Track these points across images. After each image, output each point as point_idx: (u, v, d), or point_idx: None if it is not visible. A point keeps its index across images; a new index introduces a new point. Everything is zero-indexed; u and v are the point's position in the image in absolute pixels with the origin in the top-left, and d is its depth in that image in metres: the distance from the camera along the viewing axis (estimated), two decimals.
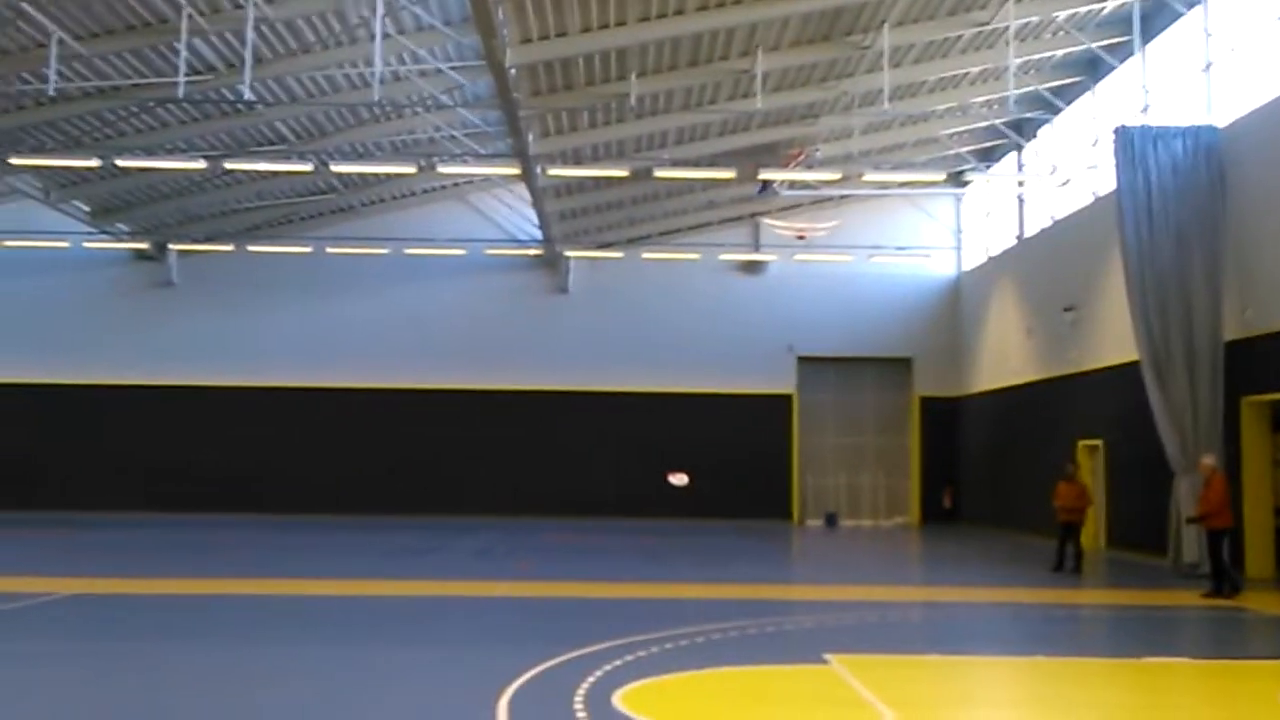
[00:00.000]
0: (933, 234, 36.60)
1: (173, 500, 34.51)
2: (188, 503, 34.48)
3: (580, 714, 8.68)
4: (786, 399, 36.30)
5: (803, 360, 36.47)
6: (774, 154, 29.65)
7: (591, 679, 9.94)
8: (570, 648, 11.40)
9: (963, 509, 35.51)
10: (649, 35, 23.17)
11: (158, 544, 25.19)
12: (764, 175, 28.84)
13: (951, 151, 31.69)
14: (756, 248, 36.67)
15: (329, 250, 35.11)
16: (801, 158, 28.98)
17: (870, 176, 29.89)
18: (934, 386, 36.47)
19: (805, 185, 32.45)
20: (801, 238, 34.77)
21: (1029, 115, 29.61)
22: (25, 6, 20.47)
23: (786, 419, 36.24)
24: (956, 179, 32.21)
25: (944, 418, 36.23)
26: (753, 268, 36.73)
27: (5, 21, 21.19)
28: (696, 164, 29.28)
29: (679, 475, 25.99)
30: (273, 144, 28.33)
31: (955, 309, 36.59)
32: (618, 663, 10.73)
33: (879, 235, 36.15)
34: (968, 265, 36.23)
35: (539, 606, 15.49)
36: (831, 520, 35.68)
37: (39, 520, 30.90)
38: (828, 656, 11.23)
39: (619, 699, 9.19)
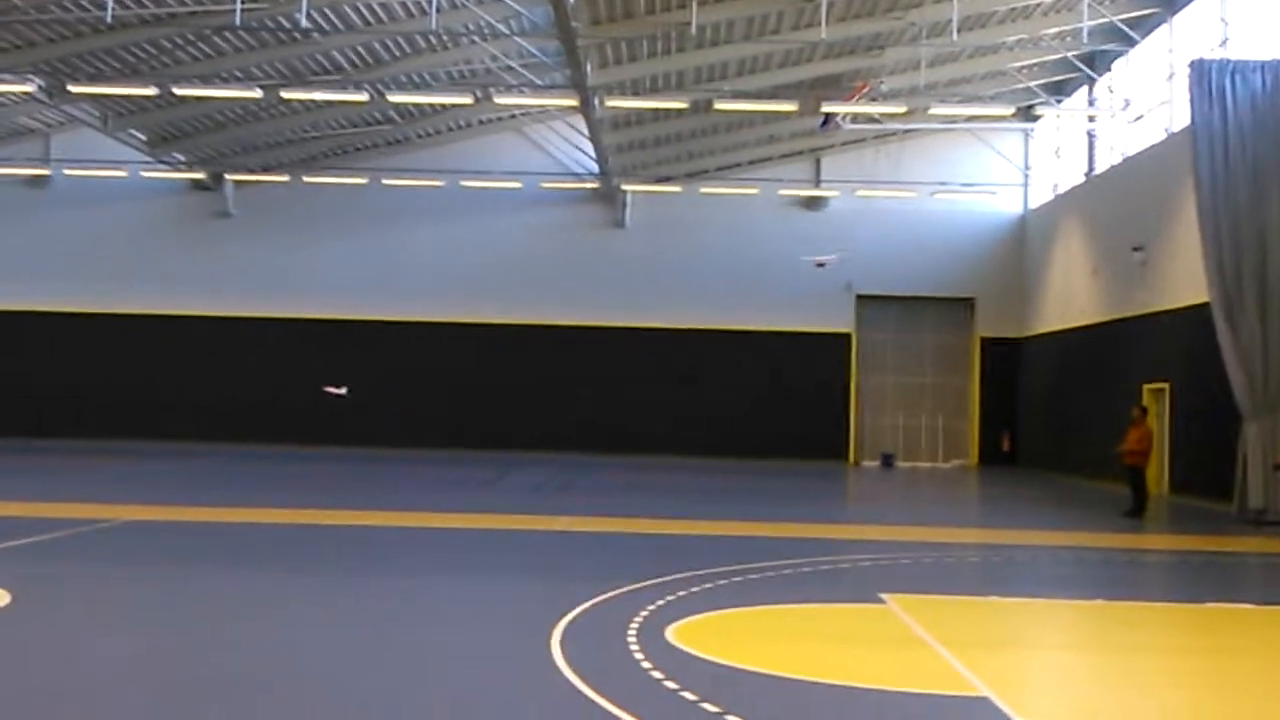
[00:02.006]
0: (999, 170, 35.81)
1: (227, 430, 34.78)
2: (242, 433, 34.73)
3: (634, 648, 8.53)
4: (844, 338, 35.88)
5: (862, 299, 35.98)
6: (837, 87, 29.01)
7: (645, 613, 9.80)
8: (624, 583, 11.26)
9: (1022, 452, 35.02)
10: None
11: (213, 474, 25.41)
12: (827, 108, 28.23)
13: (1021, 85, 30.89)
14: (817, 183, 36.10)
15: (384, 182, 34.97)
16: (866, 90, 28.30)
17: (936, 110, 29.24)
18: (996, 327, 35.87)
19: (869, 119, 31.80)
20: (821, 265, 34.19)
21: (1102, 48, 28.72)
22: None
23: (844, 358, 35.85)
24: (1026, 113, 31.45)
25: (1005, 359, 35.64)
26: (813, 204, 36.19)
27: None
28: (757, 96, 28.74)
29: (336, 388, 26.39)
30: (329, 73, 28.14)
31: (1020, 248, 35.88)
32: (671, 598, 10.58)
33: (943, 171, 35.45)
34: (1034, 203, 35.47)
35: (593, 541, 15.39)
36: (888, 461, 35.35)
37: (91, 449, 31.29)
38: (883, 596, 11.01)
39: (672, 633, 9.03)
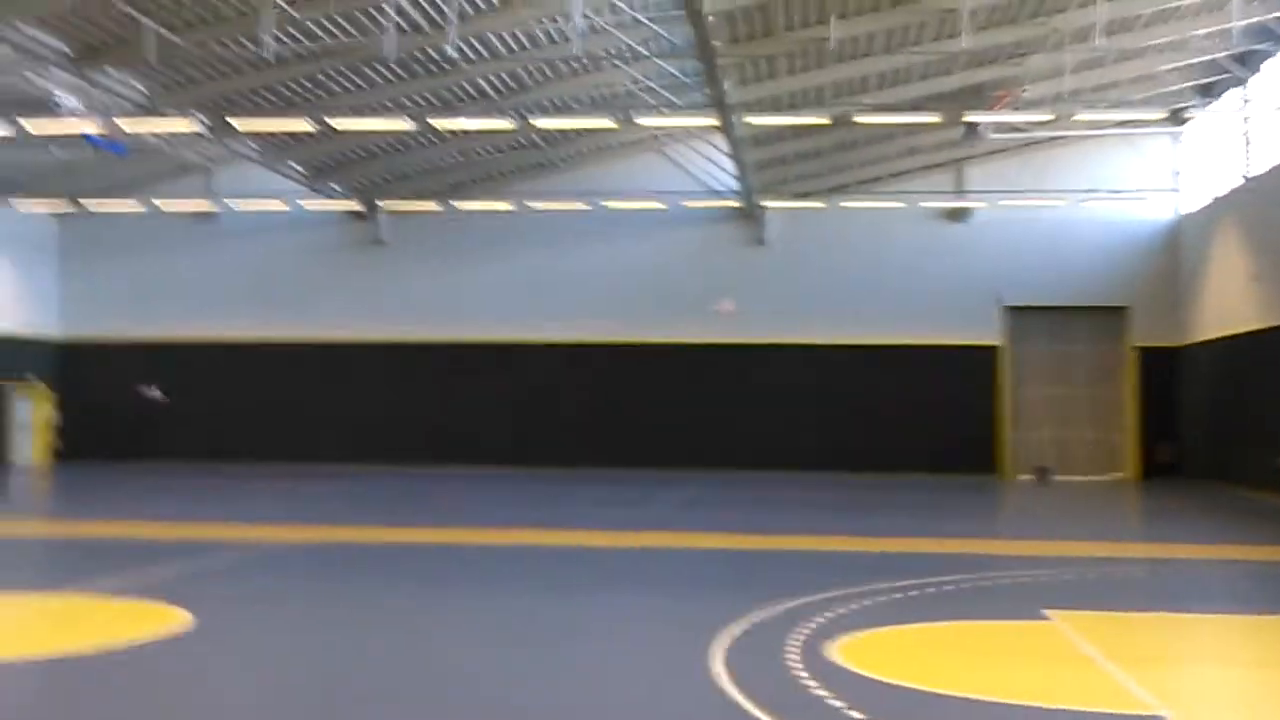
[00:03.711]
0: (1149, 176, 34.89)
1: (382, 453, 35.71)
2: (396, 456, 35.62)
3: (796, 664, 8.59)
4: (992, 350, 35.28)
5: (1010, 310, 35.34)
6: (980, 96, 28.62)
7: (805, 630, 9.84)
8: (782, 599, 11.31)
9: (1184, 464, 33.97)
10: None
11: (373, 496, 26.14)
12: (970, 118, 27.89)
13: (1170, 88, 30.08)
14: (960, 194, 35.64)
15: (530, 205, 35.60)
16: (1009, 99, 27.88)
17: (1082, 116, 28.65)
18: (1151, 336, 34.88)
19: (1013, 128, 31.30)
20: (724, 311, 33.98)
21: (1254, 47, 27.83)
22: None
23: (993, 371, 35.24)
24: (1175, 117, 30.60)
25: (1162, 368, 34.63)
26: (957, 215, 35.71)
27: None
28: (899, 109, 28.51)
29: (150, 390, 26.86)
30: (475, 101, 28.80)
31: (1174, 254, 34.86)
32: (830, 615, 10.59)
33: (1091, 178, 34.65)
34: (1187, 208, 34.47)
35: (748, 558, 15.46)
36: (1042, 475, 34.62)
37: (257, 472, 32.44)
38: (1047, 613, 10.87)
39: (834, 650, 9.07)
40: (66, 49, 23.59)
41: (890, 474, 33.18)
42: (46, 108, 25.39)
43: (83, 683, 8.07)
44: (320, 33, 24.00)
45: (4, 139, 28.81)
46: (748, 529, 18.72)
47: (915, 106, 28.37)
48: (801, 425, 35.13)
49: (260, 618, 10.73)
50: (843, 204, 35.24)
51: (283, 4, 22.26)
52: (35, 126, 26.66)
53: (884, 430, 34.83)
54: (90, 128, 25.38)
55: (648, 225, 36.00)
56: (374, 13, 23.17)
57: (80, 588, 11.67)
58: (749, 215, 35.76)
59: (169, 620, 9.94)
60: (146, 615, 10.27)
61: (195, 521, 18.67)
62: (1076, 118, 28.80)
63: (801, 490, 27.78)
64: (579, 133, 32.71)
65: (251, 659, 8.88)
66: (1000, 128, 30.94)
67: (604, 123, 28.52)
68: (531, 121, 27.08)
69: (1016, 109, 28.38)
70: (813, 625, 10.07)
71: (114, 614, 10.51)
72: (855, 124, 28.55)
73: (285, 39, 23.84)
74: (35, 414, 36.59)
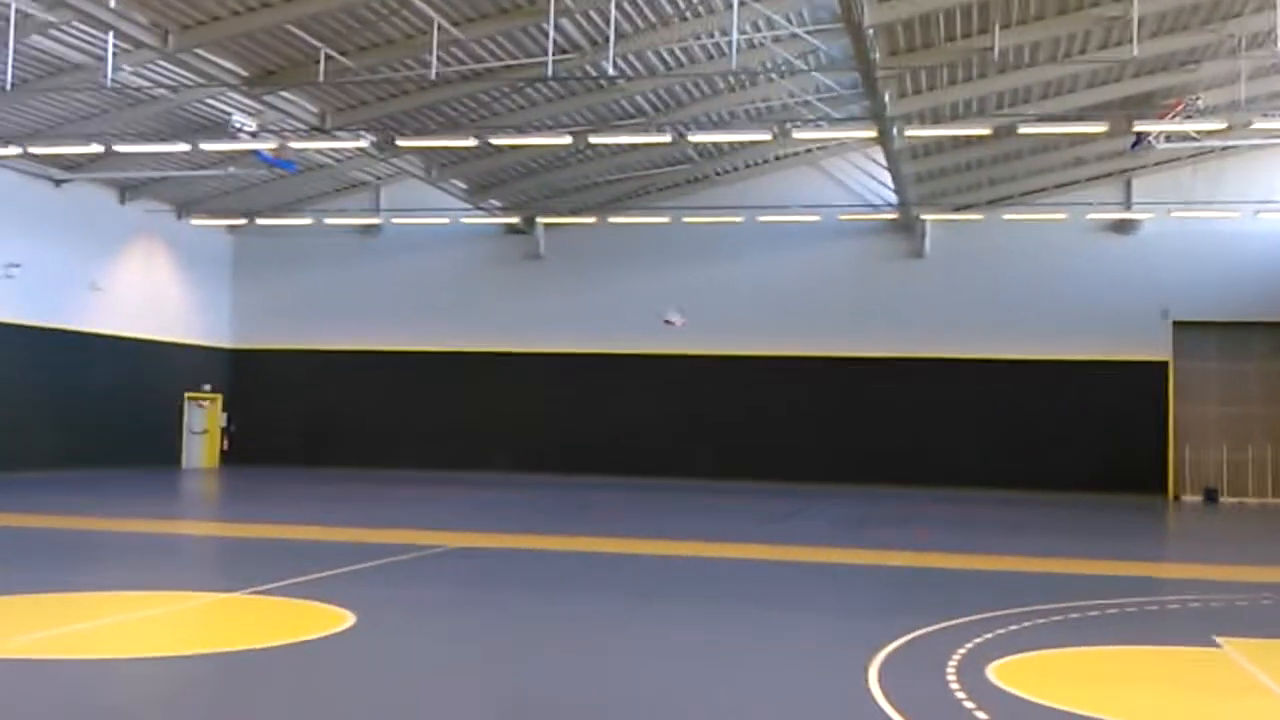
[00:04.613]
0: None
1: (538, 461, 36.28)
2: (552, 464, 36.14)
3: (954, 686, 8.46)
4: (1160, 366, 34.17)
5: (1179, 325, 34.20)
6: (1150, 105, 27.82)
7: (963, 651, 9.68)
8: (940, 618, 11.14)
9: None
10: None
11: (529, 503, 26.54)
12: (1139, 128, 27.08)
13: None
14: (1129, 206, 34.63)
15: (685, 220, 35.79)
16: (1181, 108, 27.00)
17: (1259, 125, 27.55)
18: None
19: (1185, 137, 30.29)
20: (670, 323, 33.07)
21: None
22: None
23: (1160, 388, 34.12)
24: None
25: None
26: (1124, 227, 34.73)
27: (391, 11, 22.70)
28: (1064, 119, 27.90)
29: None
30: (633, 117, 29.11)
31: None
32: (988, 636, 10.39)
33: (1267, 189, 33.39)
34: None
35: (904, 575, 15.26)
36: (1211, 496, 33.36)
37: (418, 478, 33.23)
38: (1218, 639, 10.47)
39: (994, 672, 8.90)
40: (243, 73, 24.63)
41: (1050, 493, 32.40)
42: (223, 129, 26.56)
43: (245, 679, 8.39)
44: (483, 53, 24.61)
45: (184, 159, 30.23)
46: (902, 546, 18.47)
47: (1081, 116, 27.75)
48: (958, 441, 34.56)
49: (423, 620, 10.99)
50: (1005, 216, 34.59)
51: (448, 26, 22.87)
52: (212, 147, 27.91)
53: (1044, 448, 34.03)
54: (263, 147, 26.43)
55: (803, 239, 35.88)
56: (535, 32, 23.67)
57: (247, 587, 12.11)
58: (907, 228, 35.35)
59: (332, 620, 10.24)
60: (310, 615, 10.59)
61: (358, 525, 19.22)
62: (1252, 126, 27.72)
63: (958, 507, 27.29)
64: (735, 147, 32.81)
65: (411, 660, 9.11)
66: (1171, 137, 29.96)
67: (760, 136, 28.54)
68: (688, 136, 27.28)
69: (1188, 117, 27.46)
70: (972, 645, 9.90)
71: (279, 613, 10.86)
72: (1018, 135, 28.02)
73: (449, 59, 24.51)
74: (207, 419, 38.15)
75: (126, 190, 34.32)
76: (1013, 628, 10.85)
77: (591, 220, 36.49)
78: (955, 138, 29.99)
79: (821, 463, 35.07)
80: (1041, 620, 11.36)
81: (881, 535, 20.63)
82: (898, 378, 35.21)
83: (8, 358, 30.58)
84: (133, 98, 26.41)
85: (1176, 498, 33.60)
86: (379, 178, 36.53)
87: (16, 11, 21.41)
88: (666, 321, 33.09)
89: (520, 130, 28.49)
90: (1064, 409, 34.13)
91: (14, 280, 30.59)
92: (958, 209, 34.87)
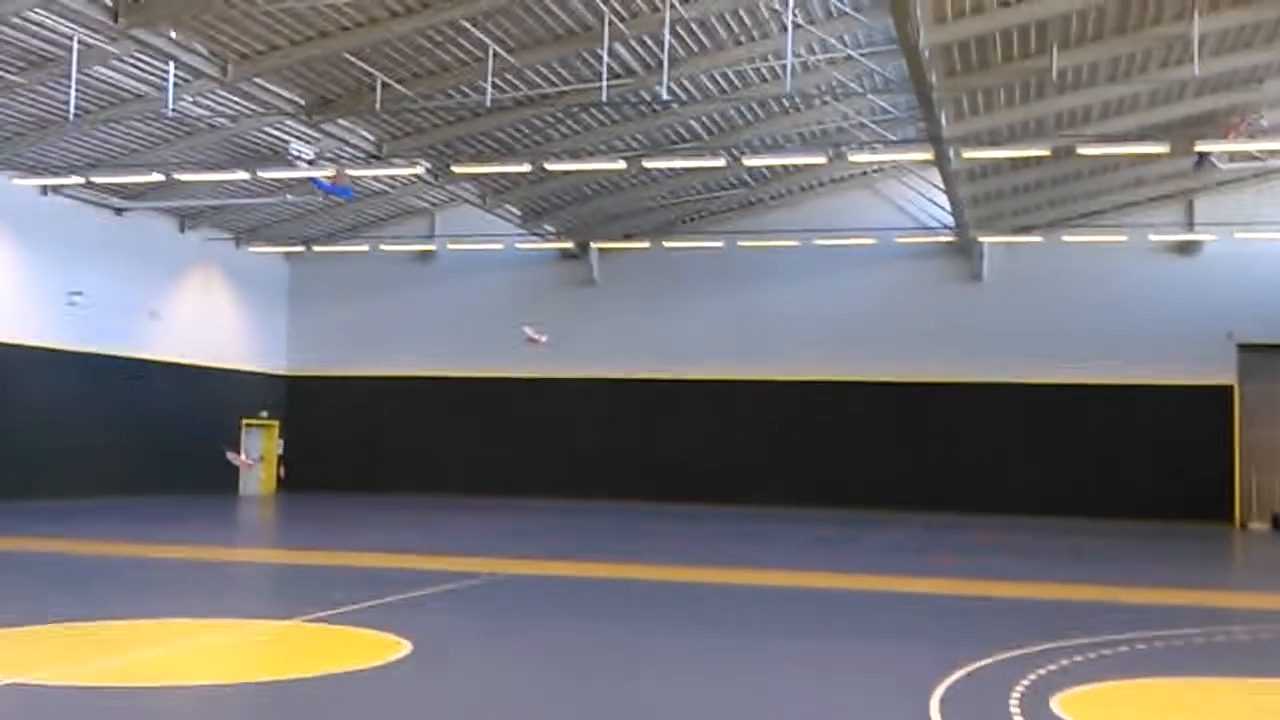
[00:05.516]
0: None
1: (592, 488, 36.17)
2: (606, 490, 36.02)
3: (1017, 717, 8.24)
4: (1225, 390, 33.52)
5: (1244, 348, 33.54)
6: (1212, 124, 27.38)
7: (1027, 681, 9.44)
8: (1003, 648, 10.90)
9: None
10: (1071, 4, 21.96)
11: (583, 529, 26.44)
12: (1200, 148, 26.65)
13: None
14: (1191, 227, 34.08)
15: (740, 244, 35.66)
16: (1244, 126, 26.56)
17: None
18: None
19: (1248, 156, 29.78)
20: (533, 342, 32.65)
21: None
22: (465, 24, 21.97)
23: (1225, 412, 33.44)
24: None
25: None
26: (1186, 249, 34.17)
27: (447, 38, 22.83)
28: (1124, 139, 27.51)
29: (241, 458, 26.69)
30: (686, 141, 29.07)
31: None
32: (1052, 667, 10.14)
33: None
34: None
35: (966, 604, 14.98)
36: (1279, 523, 32.63)
37: (471, 504, 33.24)
38: None
39: (1058, 704, 8.67)
40: (300, 101, 24.86)
41: (1112, 520, 31.86)
42: (280, 157, 26.82)
43: (303, 708, 8.34)
44: (537, 79, 24.68)
45: (242, 187, 30.57)
46: (963, 574, 18.17)
47: (1142, 136, 27.39)
48: (1018, 468, 34.08)
49: (479, 648, 10.91)
50: (1064, 238, 34.17)
51: (503, 53, 22.96)
52: (270, 175, 28.20)
53: (1106, 474, 33.48)
54: (320, 174, 26.66)
55: (859, 262, 35.62)
56: (589, 58, 23.71)
57: (304, 615, 12.09)
58: (964, 251, 35.00)
59: (388, 648, 10.19)
60: (366, 643, 10.55)
61: (413, 552, 19.21)
62: None
63: (1018, 535, 26.86)
64: (790, 170, 32.68)
65: (468, 689, 9.03)
66: (1234, 156, 29.47)
67: (815, 160, 28.42)
68: (742, 160, 27.20)
69: (1251, 137, 27.02)
70: (1036, 676, 9.66)
71: (335, 640, 10.82)
72: (1077, 156, 27.68)
73: (504, 86, 24.59)
74: (264, 446, 38.43)
75: (186, 218, 34.75)
76: (1077, 658, 10.59)
77: (646, 245, 36.46)
78: (1013, 159, 29.67)
79: (878, 489, 34.68)
80: (1107, 651, 11.08)
81: (940, 563, 20.32)
82: (956, 403, 34.80)
83: (69, 385, 30.98)
84: (192, 127, 26.75)
85: (1243, 525, 32.89)
86: (434, 204, 36.75)
87: (79, 43, 21.74)
88: (528, 340, 32.80)
89: (574, 155, 28.55)
90: (1126, 434, 33.56)
91: (76, 308, 31.02)
92: (1016, 230, 34.48)
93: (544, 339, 32.80)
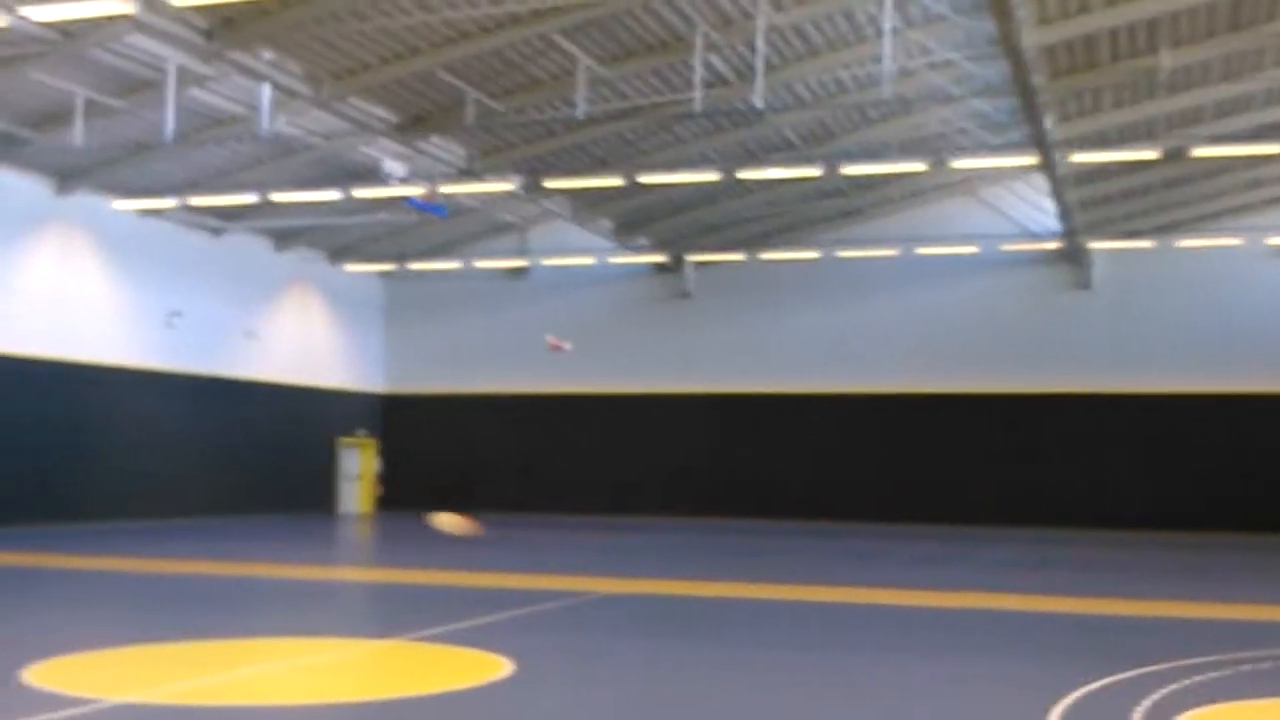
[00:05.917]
0: None
1: (691, 505, 35.76)
2: (706, 507, 35.59)
3: None
4: None
5: None
6: None
7: (1150, 700, 8.90)
8: (1123, 666, 10.34)
9: None
10: (1183, 1, 21.15)
11: (685, 546, 26.09)
12: None
13: None
14: None
15: (838, 254, 35.06)
16: None
17: None
18: None
19: None
20: (557, 348, 31.39)
21: None
22: (556, 37, 21.81)
23: None
24: None
25: None
26: None
27: (538, 52, 22.69)
28: (1238, 139, 26.50)
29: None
30: (781, 150, 28.63)
31: None
32: (1175, 686, 9.58)
33: None
34: None
35: (1080, 622, 14.35)
36: None
37: (567, 523, 33.06)
38: None
39: None
40: (393, 119, 24.92)
41: (1227, 534, 30.69)
42: (374, 175, 26.92)
43: None
44: (629, 91, 24.44)
45: (337, 206, 30.77)
46: (1075, 591, 17.48)
47: (1257, 136, 26.39)
48: (1130, 482, 33.05)
49: (581, 668, 10.64)
50: (1177, 243, 33.07)
51: (594, 65, 22.76)
52: (364, 193, 28.34)
53: (1222, 487, 32.30)
54: (413, 192, 26.69)
55: (962, 272, 34.84)
56: (681, 68, 23.41)
57: (405, 633, 11.95)
58: (1072, 258, 34.02)
59: (491, 668, 9.98)
60: (469, 662, 10.37)
61: (514, 571, 19.02)
62: None
63: (1129, 551, 25.94)
64: (889, 178, 32.02)
65: (571, 710, 8.73)
66: None
67: (915, 167, 27.79)
68: (839, 169, 26.67)
69: None
70: (1160, 695, 9.12)
71: (437, 660, 10.69)
72: (1190, 158, 26.71)
73: (596, 99, 24.38)
74: (362, 465, 38.66)
75: (281, 238, 35.13)
76: (1199, 677, 10.03)
77: (741, 257, 36.04)
78: (1122, 162, 28.70)
79: (986, 503, 33.80)
80: (1231, 670, 10.50)
81: (1057, 579, 19.62)
82: (1066, 414, 33.81)
83: (168, 406, 31.39)
84: (287, 147, 26.97)
85: None
86: (526, 220, 36.71)
87: (177, 67, 22.00)
88: (552, 346, 32.24)
89: (668, 167, 28.25)
90: (1242, 447, 32.35)
91: (174, 329, 31.45)
92: (1127, 236, 33.45)
93: (568, 345, 32.50)
